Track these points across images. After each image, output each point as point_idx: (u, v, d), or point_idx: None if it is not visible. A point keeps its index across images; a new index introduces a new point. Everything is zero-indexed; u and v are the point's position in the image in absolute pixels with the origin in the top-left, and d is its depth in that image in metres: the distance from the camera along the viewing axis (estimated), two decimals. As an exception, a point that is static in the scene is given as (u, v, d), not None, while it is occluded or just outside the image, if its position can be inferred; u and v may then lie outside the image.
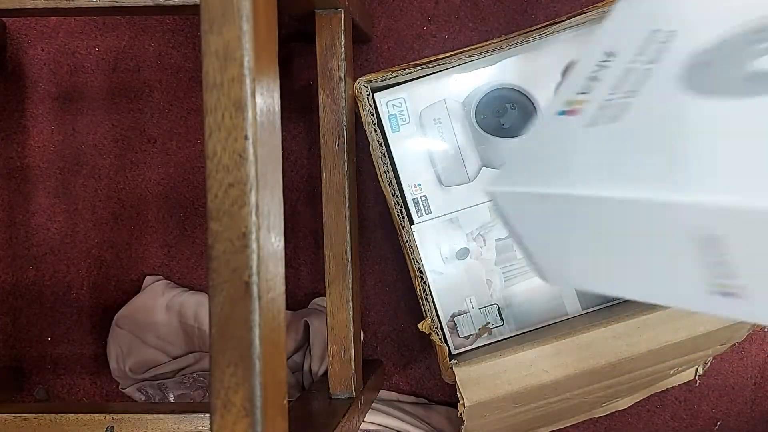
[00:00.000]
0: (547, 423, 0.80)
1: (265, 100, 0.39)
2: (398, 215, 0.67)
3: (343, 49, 0.66)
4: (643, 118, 0.32)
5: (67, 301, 0.87)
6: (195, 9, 0.65)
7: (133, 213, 0.86)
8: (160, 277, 0.86)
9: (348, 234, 0.67)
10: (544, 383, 0.60)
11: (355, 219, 0.69)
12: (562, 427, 0.83)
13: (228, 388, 0.38)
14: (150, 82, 0.85)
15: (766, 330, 0.82)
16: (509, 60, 0.70)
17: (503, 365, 0.60)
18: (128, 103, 0.86)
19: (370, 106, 0.67)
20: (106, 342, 0.85)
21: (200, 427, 0.63)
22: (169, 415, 0.63)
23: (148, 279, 0.85)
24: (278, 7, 0.42)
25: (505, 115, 0.71)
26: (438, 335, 0.65)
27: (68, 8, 0.67)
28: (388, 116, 0.70)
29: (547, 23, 0.66)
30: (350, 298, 0.67)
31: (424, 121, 0.70)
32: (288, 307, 0.85)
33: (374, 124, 0.67)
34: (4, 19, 0.85)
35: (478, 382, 0.60)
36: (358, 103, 0.67)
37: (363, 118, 0.67)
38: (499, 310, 0.72)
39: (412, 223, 0.71)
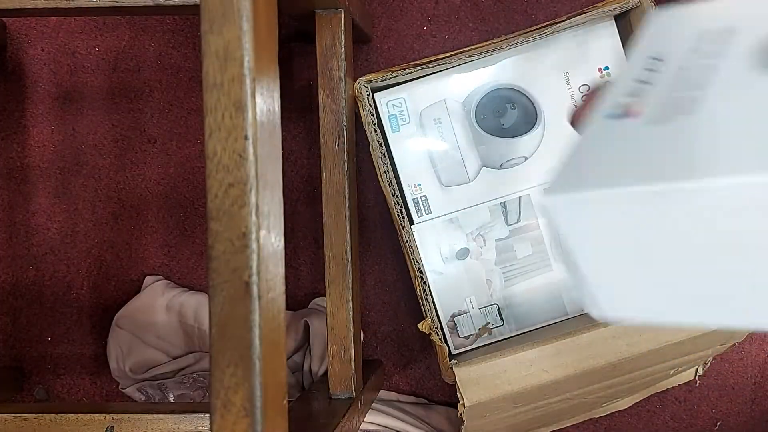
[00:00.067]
0: (547, 423, 0.80)
1: (265, 100, 0.39)
2: (398, 215, 0.67)
3: (343, 49, 0.66)
4: (724, 105, 0.29)
5: (67, 301, 0.87)
6: (195, 9, 0.65)
7: (133, 213, 0.86)
8: (160, 277, 0.86)
9: (348, 234, 0.67)
10: (544, 383, 0.60)
11: (355, 219, 0.69)
12: (562, 427, 0.83)
13: (228, 388, 0.38)
14: (150, 82, 0.85)
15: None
16: (509, 60, 0.70)
17: (503, 365, 0.60)
18: (128, 103, 0.86)
19: (370, 106, 0.67)
20: (106, 342, 0.85)
21: (200, 427, 0.63)
22: (169, 415, 0.63)
23: (148, 279, 0.85)
24: (278, 7, 0.42)
25: (505, 115, 0.71)
26: (438, 335, 0.65)
27: (68, 8, 0.67)
28: (388, 116, 0.70)
29: (547, 23, 0.66)
30: (350, 298, 0.67)
31: (424, 121, 0.70)
32: (288, 307, 0.85)
33: (374, 124, 0.67)
34: (4, 19, 0.85)
35: (478, 382, 0.60)
36: (358, 103, 0.67)
37: (363, 118, 0.67)
38: (499, 310, 0.72)
39: (412, 223, 0.71)
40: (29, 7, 0.67)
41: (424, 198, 0.71)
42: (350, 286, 0.67)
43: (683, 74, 0.32)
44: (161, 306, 0.83)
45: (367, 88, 0.67)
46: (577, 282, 0.33)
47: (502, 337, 0.72)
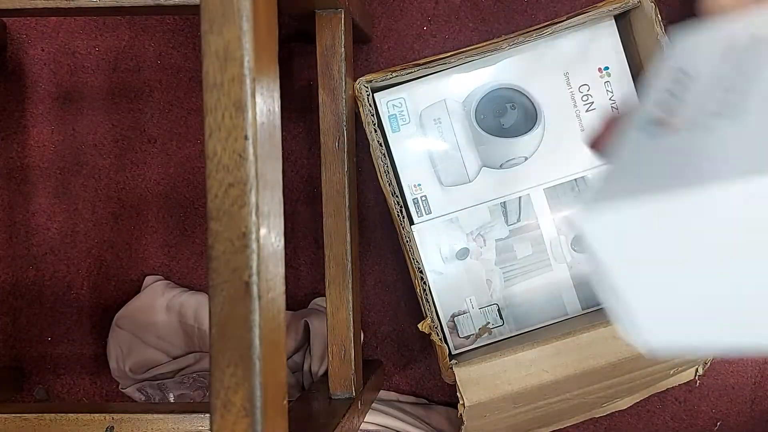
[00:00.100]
0: (547, 423, 0.80)
1: (265, 100, 0.39)
2: (398, 215, 0.67)
3: (343, 49, 0.66)
4: None
5: (67, 301, 0.87)
6: (195, 9, 0.65)
7: (133, 213, 0.86)
8: (160, 277, 0.86)
9: (348, 234, 0.67)
10: (544, 383, 0.60)
11: (355, 219, 0.69)
12: (562, 427, 0.83)
13: (228, 388, 0.38)
14: (150, 82, 0.85)
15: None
16: (509, 60, 0.70)
17: (503, 365, 0.60)
18: (128, 103, 0.86)
19: (370, 106, 0.67)
20: (106, 342, 0.85)
21: (200, 427, 0.63)
22: (169, 415, 0.63)
23: (148, 279, 0.85)
24: (278, 7, 0.42)
25: (505, 115, 0.71)
26: (438, 335, 0.65)
27: (68, 8, 0.67)
28: (388, 116, 0.70)
29: (547, 23, 0.66)
30: (350, 298, 0.66)
31: (424, 121, 0.70)
32: (288, 307, 0.85)
33: (374, 124, 0.67)
34: (4, 19, 0.85)
35: (478, 382, 0.60)
36: (358, 103, 0.67)
37: (363, 118, 0.67)
38: (499, 310, 0.72)
39: (412, 223, 0.71)
40: (29, 7, 0.67)
41: (424, 198, 0.71)
42: (350, 286, 0.67)
43: (719, 83, 0.31)
44: (161, 306, 0.83)
45: (367, 88, 0.67)
46: (618, 311, 0.30)
47: (502, 337, 0.72)
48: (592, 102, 0.70)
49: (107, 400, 0.88)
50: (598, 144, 0.40)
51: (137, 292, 0.85)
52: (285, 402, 0.42)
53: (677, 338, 0.29)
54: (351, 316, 0.67)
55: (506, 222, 0.71)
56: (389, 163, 0.67)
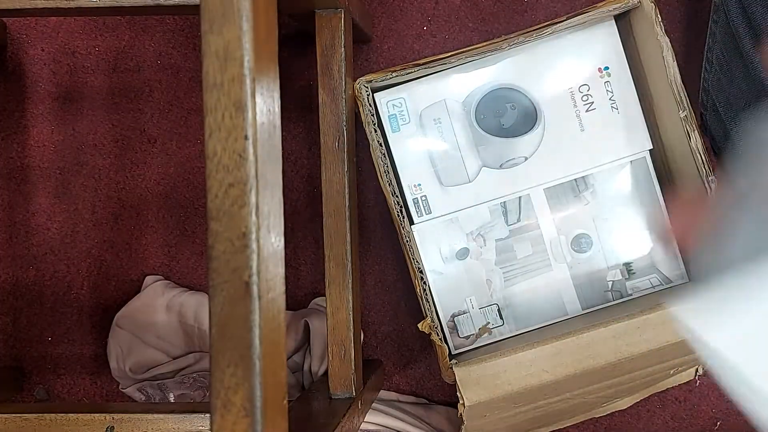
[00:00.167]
0: (547, 423, 0.80)
1: (265, 100, 0.39)
2: (398, 215, 0.67)
3: (343, 49, 0.66)
4: None
5: (67, 301, 0.87)
6: (195, 9, 0.65)
7: (133, 213, 0.86)
8: (160, 277, 0.86)
9: (348, 234, 0.67)
10: (544, 383, 0.60)
11: (355, 219, 0.69)
12: (562, 427, 0.83)
13: (228, 388, 0.38)
14: (150, 82, 0.85)
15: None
16: (509, 60, 0.70)
17: (503, 365, 0.60)
18: (128, 103, 0.86)
19: (370, 106, 0.67)
20: (106, 342, 0.85)
21: (200, 427, 0.63)
22: (169, 415, 0.63)
23: (148, 279, 0.85)
24: (278, 7, 0.42)
25: (505, 115, 0.71)
26: (438, 335, 0.65)
27: (68, 8, 0.67)
28: (388, 116, 0.70)
29: (547, 23, 0.66)
30: (350, 298, 0.67)
31: (424, 121, 0.70)
32: (288, 307, 0.85)
33: (374, 124, 0.67)
34: (4, 19, 0.85)
35: (478, 382, 0.60)
36: (358, 103, 0.67)
37: (363, 118, 0.67)
38: (499, 310, 0.72)
39: (412, 223, 0.71)
40: (29, 7, 0.67)
41: (424, 198, 0.71)
42: (350, 286, 0.67)
43: None
44: (161, 306, 0.83)
45: (367, 88, 0.67)
46: (759, 410, 0.28)
47: (502, 337, 0.72)
48: (592, 102, 0.70)
49: (107, 400, 0.88)
50: (684, 232, 0.36)
51: (137, 292, 0.85)
52: (285, 402, 0.42)
53: None
54: (351, 316, 0.67)
55: (506, 222, 0.71)
56: (389, 163, 0.67)
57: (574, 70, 0.70)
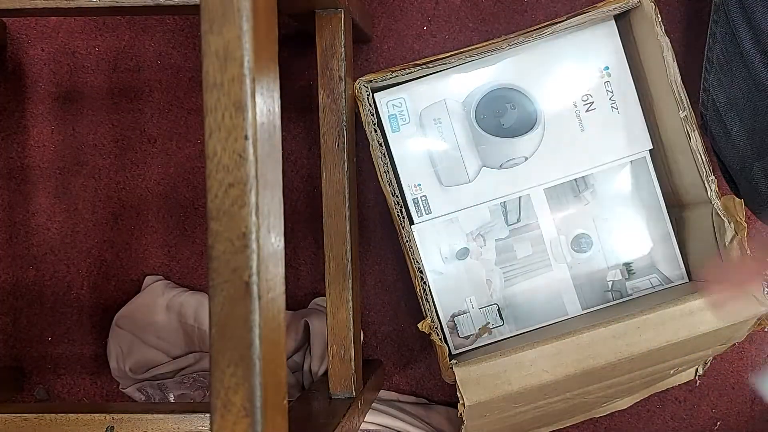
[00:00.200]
0: (547, 423, 0.80)
1: (265, 100, 0.39)
2: (398, 215, 0.67)
3: (343, 49, 0.66)
4: None
5: (67, 301, 0.87)
6: (195, 9, 0.65)
7: (133, 213, 0.86)
8: (160, 277, 0.86)
9: (348, 234, 0.67)
10: (544, 383, 0.60)
11: (355, 219, 0.69)
12: (562, 427, 0.83)
13: (228, 388, 0.38)
14: (150, 82, 0.85)
15: (766, 330, 0.82)
16: (509, 60, 0.70)
17: (503, 365, 0.60)
18: (128, 103, 0.86)
19: (370, 106, 0.67)
20: (106, 342, 0.85)
21: (200, 427, 0.63)
22: (169, 415, 0.63)
23: (148, 279, 0.85)
24: (278, 7, 0.42)
25: (505, 115, 0.71)
26: (438, 335, 0.65)
27: (68, 8, 0.67)
28: (388, 116, 0.70)
29: (547, 23, 0.66)
30: (350, 298, 0.66)
31: (424, 121, 0.70)
32: (288, 307, 0.85)
33: (374, 124, 0.67)
34: (4, 19, 0.85)
35: (478, 382, 0.60)
36: (358, 103, 0.67)
37: (363, 118, 0.67)
38: (499, 310, 0.72)
39: (412, 223, 0.71)
40: (29, 7, 0.67)
41: (424, 198, 0.71)
42: (350, 286, 0.67)
43: None
44: (161, 306, 0.83)
45: (367, 88, 0.67)
46: None
47: (502, 337, 0.72)
48: (592, 102, 0.70)
49: (107, 400, 0.88)
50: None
51: (137, 292, 0.85)
52: (285, 402, 0.42)
53: None
54: (351, 316, 0.67)
55: (506, 222, 0.71)
56: (389, 163, 0.67)
57: (574, 70, 0.70)
